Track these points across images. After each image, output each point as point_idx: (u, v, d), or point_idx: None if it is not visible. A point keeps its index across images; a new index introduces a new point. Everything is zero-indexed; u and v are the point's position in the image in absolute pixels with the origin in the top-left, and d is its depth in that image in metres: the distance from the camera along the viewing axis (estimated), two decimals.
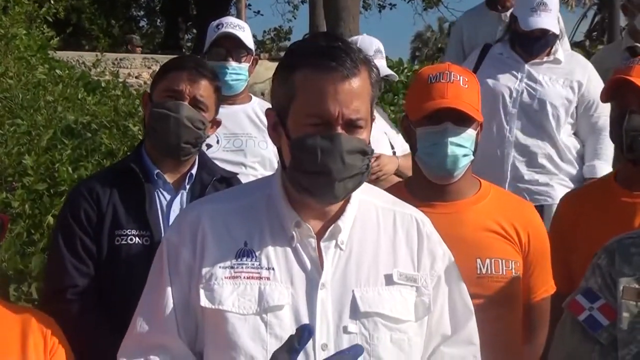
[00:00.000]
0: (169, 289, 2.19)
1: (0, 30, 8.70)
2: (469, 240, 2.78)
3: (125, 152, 6.30)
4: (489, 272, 2.84)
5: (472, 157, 2.87)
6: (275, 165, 4.30)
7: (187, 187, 3.13)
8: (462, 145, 2.82)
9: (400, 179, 3.73)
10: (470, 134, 2.84)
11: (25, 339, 2.41)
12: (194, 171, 3.17)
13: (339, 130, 2.11)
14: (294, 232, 2.19)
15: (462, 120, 2.82)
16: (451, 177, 2.87)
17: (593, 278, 2.41)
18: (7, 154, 5.98)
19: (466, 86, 2.87)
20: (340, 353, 2.02)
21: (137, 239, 2.99)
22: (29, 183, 5.79)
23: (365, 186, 2.35)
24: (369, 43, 4.78)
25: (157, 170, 3.10)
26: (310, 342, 2.07)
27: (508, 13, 5.79)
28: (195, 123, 3.09)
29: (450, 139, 2.80)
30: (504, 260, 2.87)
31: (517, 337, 2.97)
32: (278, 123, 2.20)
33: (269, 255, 2.17)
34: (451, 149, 2.80)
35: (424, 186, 2.90)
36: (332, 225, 2.21)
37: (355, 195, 2.26)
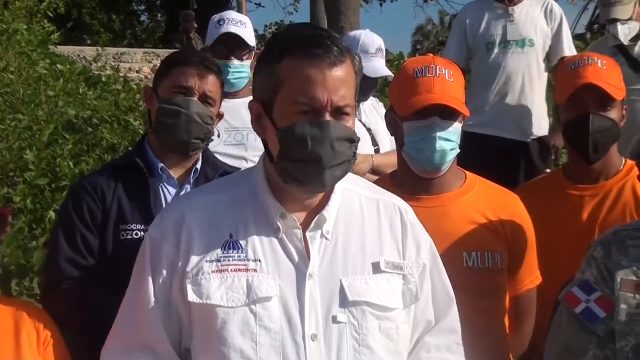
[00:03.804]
0: (151, 288, 2.16)
1: (2, 26, 8.72)
2: (455, 234, 2.78)
3: (126, 146, 6.32)
4: (476, 265, 2.84)
5: (458, 151, 2.88)
6: None
7: (192, 181, 3.13)
8: (449, 140, 2.82)
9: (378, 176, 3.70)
10: (457, 127, 2.85)
11: (19, 332, 2.41)
12: (198, 166, 3.17)
13: (328, 117, 2.10)
14: (279, 224, 2.18)
15: (449, 114, 2.82)
16: (439, 172, 2.87)
17: (589, 270, 2.42)
18: (9, 149, 5.99)
19: (452, 80, 2.86)
20: None
21: (142, 233, 2.96)
22: (31, 178, 5.81)
23: (348, 175, 2.32)
24: (371, 40, 4.74)
25: (162, 165, 3.10)
26: (300, 332, 2.09)
27: (516, 8, 5.79)
28: (205, 119, 3.09)
29: (439, 134, 2.80)
30: (490, 253, 2.87)
31: (504, 328, 2.98)
32: (263, 114, 2.19)
33: (256, 247, 2.15)
34: (440, 144, 2.80)
35: (409, 180, 2.90)
36: (318, 216, 2.19)
37: (339, 185, 2.25)
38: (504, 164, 5.76)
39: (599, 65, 3.19)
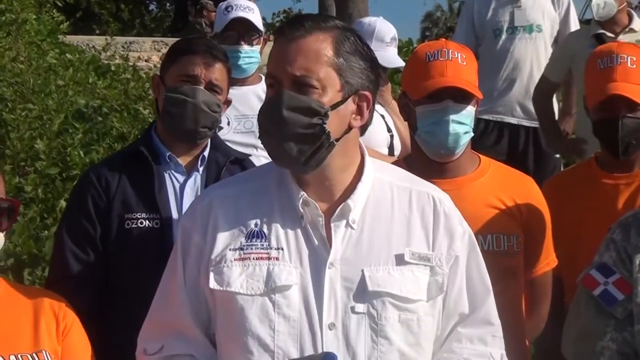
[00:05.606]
0: (182, 276, 2.20)
1: (11, 16, 8.75)
2: (470, 216, 2.73)
3: (136, 135, 6.34)
4: (491, 247, 2.84)
5: (472, 134, 2.88)
6: None
7: (201, 169, 3.14)
8: (462, 123, 2.82)
9: None
10: (469, 110, 2.85)
11: (37, 320, 2.42)
12: (206, 153, 3.17)
13: (285, 88, 2.13)
14: (303, 211, 2.19)
15: (462, 97, 2.82)
16: (452, 155, 2.87)
17: (607, 253, 2.42)
18: (19, 138, 6.03)
19: (464, 63, 2.87)
20: (310, 357, 2.05)
21: (147, 222, 2.99)
22: (42, 167, 5.85)
23: (382, 164, 2.35)
24: (387, 28, 4.61)
25: (169, 153, 3.11)
26: (317, 321, 2.10)
27: None
28: (212, 107, 3.09)
29: (452, 117, 2.80)
30: (505, 235, 2.88)
31: (520, 311, 2.98)
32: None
33: (279, 235, 2.16)
34: (453, 127, 2.80)
35: (423, 163, 2.89)
36: (342, 204, 2.19)
37: (369, 174, 2.25)
38: (512, 149, 5.78)
39: (628, 64, 3.12)
